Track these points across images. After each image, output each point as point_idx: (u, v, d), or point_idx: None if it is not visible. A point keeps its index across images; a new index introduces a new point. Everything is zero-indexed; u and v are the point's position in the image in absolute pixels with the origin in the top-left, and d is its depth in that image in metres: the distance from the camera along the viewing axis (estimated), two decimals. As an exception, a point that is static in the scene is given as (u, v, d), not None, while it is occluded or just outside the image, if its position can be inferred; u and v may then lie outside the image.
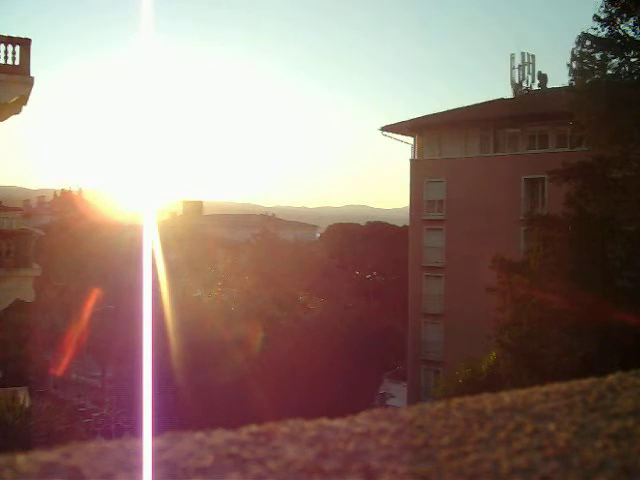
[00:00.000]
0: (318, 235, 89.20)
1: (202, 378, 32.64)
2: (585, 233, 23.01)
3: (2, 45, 21.06)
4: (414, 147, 47.69)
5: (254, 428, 1.08)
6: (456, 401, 1.25)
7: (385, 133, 47.81)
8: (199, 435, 1.04)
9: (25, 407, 19.35)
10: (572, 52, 25.01)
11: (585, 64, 24.74)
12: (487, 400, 1.25)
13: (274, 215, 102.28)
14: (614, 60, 24.56)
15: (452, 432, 1.09)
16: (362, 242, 65.57)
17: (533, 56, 47.33)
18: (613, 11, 24.12)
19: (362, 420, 1.14)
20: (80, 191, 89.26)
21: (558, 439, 1.07)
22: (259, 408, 28.72)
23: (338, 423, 1.12)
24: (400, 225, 66.39)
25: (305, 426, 1.09)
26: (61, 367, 42.73)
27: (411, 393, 44.50)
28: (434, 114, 48.09)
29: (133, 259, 32.11)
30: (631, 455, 1.02)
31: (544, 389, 1.32)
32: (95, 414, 45.81)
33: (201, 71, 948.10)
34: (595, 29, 24.41)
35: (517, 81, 46.83)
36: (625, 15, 24.26)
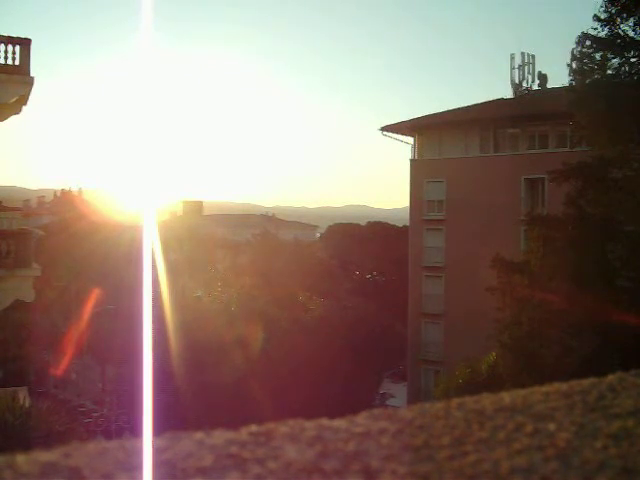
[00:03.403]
0: (318, 235, 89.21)
1: (202, 378, 32.64)
2: (585, 233, 22.99)
3: (2, 45, 21.06)
4: (414, 147, 47.69)
5: (254, 428, 1.08)
6: (456, 401, 1.25)
7: (385, 133, 47.83)
8: (199, 435, 1.04)
9: (25, 407, 19.33)
10: (572, 52, 25.02)
11: (585, 64, 24.73)
12: (487, 400, 1.25)
13: (274, 215, 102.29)
14: (614, 60, 24.54)
15: (452, 432, 1.09)
16: (362, 242, 65.56)
17: (533, 56, 47.38)
18: (613, 11, 24.10)
19: (362, 420, 1.14)
20: (80, 191, 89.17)
21: (558, 439, 1.07)
22: (259, 408, 28.71)
23: (338, 423, 1.12)
24: (400, 225, 66.38)
25: (305, 426, 1.09)
26: (61, 367, 42.74)
27: (411, 393, 44.49)
28: (434, 114, 48.10)
29: (133, 259, 32.11)
30: (631, 455, 1.02)
31: (544, 389, 1.32)
32: (95, 414, 45.79)
33: (201, 71, 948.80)
34: (595, 29, 24.42)
35: (517, 81, 46.84)
36: (625, 15, 24.24)
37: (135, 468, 0.92)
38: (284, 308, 38.84)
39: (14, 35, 21.35)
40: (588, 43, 24.56)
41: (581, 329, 22.41)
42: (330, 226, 79.97)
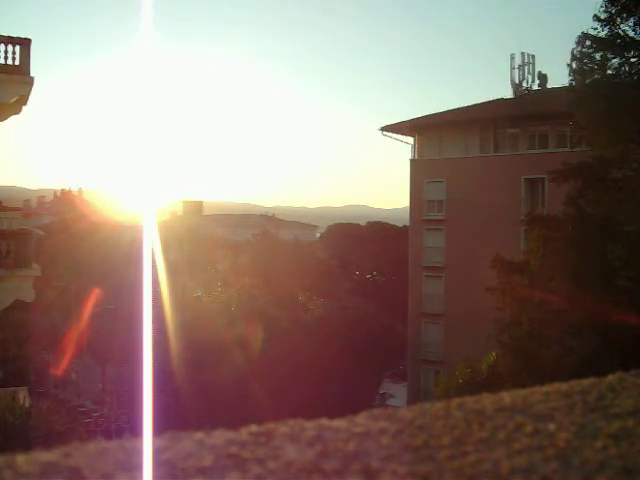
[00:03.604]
0: (318, 235, 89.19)
1: (202, 378, 32.63)
2: (585, 233, 22.99)
3: (2, 45, 21.05)
4: (414, 147, 47.68)
5: (254, 428, 1.08)
6: (456, 401, 1.25)
7: (385, 133, 47.82)
8: (199, 435, 1.04)
9: (25, 407, 19.33)
10: (572, 52, 25.02)
11: (585, 64, 24.73)
12: (487, 400, 1.25)
13: (274, 215, 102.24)
14: (614, 60, 24.55)
15: (452, 432, 1.09)
16: (362, 242, 65.55)
17: (533, 56, 47.37)
18: (613, 11, 24.11)
19: (362, 420, 1.14)
20: (80, 191, 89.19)
21: (558, 439, 1.07)
22: (259, 408, 28.71)
23: (338, 423, 1.12)
24: (400, 225, 66.37)
25: (305, 426, 1.09)
26: (61, 367, 42.72)
27: (411, 393, 44.48)
28: (434, 114, 48.09)
29: (133, 259, 32.11)
30: (631, 455, 1.02)
31: (544, 389, 1.31)
32: (95, 414, 45.78)
33: (201, 71, 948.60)
34: (595, 29, 24.42)
35: (517, 81, 46.83)
36: (625, 15, 24.25)
37: (135, 468, 0.92)
38: (284, 308, 38.84)
39: (14, 35, 21.36)
40: (588, 43, 24.56)
41: (581, 329, 22.41)
42: (330, 226, 79.99)
